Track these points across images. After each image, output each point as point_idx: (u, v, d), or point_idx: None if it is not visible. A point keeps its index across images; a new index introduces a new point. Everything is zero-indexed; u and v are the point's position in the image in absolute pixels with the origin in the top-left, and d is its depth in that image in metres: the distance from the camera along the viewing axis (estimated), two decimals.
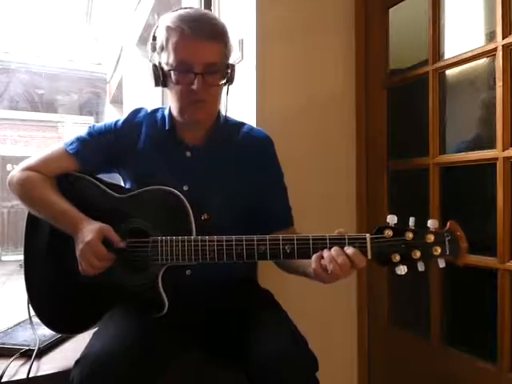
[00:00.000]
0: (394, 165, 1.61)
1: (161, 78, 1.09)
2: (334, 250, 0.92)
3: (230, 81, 1.13)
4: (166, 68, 1.07)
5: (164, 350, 0.99)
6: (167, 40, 1.05)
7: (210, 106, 1.11)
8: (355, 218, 1.69)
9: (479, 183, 1.38)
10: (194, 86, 1.04)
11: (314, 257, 0.94)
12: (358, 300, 1.70)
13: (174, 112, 1.13)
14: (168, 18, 1.06)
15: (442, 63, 1.40)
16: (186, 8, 1.09)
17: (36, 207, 1.13)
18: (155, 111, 1.22)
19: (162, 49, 1.07)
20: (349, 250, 0.92)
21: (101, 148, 1.18)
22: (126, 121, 1.21)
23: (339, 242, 0.93)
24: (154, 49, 1.10)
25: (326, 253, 0.92)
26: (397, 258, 0.91)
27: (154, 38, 1.10)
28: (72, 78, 8.55)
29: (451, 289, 1.44)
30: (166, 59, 1.07)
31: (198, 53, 1.04)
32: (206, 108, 1.10)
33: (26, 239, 1.18)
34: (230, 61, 1.13)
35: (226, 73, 1.11)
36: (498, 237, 1.22)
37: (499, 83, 1.21)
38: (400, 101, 1.63)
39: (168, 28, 1.05)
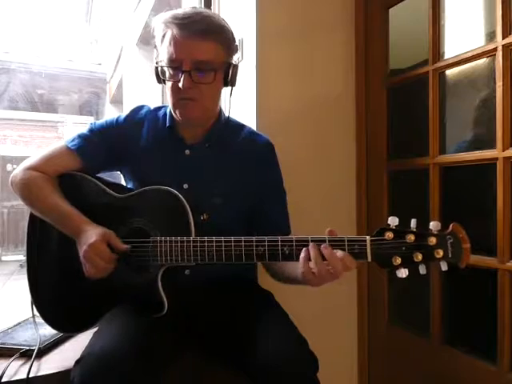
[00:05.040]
0: (394, 165, 1.61)
1: (159, 74, 1.09)
2: (326, 253, 0.89)
3: (230, 81, 1.11)
4: (161, 64, 1.08)
5: (164, 350, 0.99)
6: (162, 37, 1.07)
7: (201, 104, 1.09)
8: (355, 219, 1.69)
9: (479, 183, 1.38)
10: (180, 84, 1.04)
11: (302, 259, 0.91)
12: (358, 300, 1.70)
13: (171, 109, 1.14)
14: (163, 16, 1.07)
15: (442, 63, 1.40)
16: (186, 7, 1.09)
17: (38, 208, 1.12)
18: (158, 109, 1.22)
19: (159, 45, 1.09)
20: (338, 253, 0.89)
21: (102, 144, 1.17)
22: (127, 117, 1.21)
23: (339, 243, 0.92)
24: (155, 46, 1.12)
25: (312, 253, 0.90)
26: (398, 260, 0.89)
27: (154, 36, 1.11)
28: (72, 78, 8.52)
29: (451, 289, 1.44)
30: (161, 56, 1.08)
31: (187, 50, 1.04)
32: (197, 106, 1.09)
33: (28, 239, 1.17)
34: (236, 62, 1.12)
35: (226, 73, 1.10)
36: (498, 237, 1.22)
37: (499, 83, 1.21)
38: (400, 101, 1.63)
39: (162, 25, 1.07)
